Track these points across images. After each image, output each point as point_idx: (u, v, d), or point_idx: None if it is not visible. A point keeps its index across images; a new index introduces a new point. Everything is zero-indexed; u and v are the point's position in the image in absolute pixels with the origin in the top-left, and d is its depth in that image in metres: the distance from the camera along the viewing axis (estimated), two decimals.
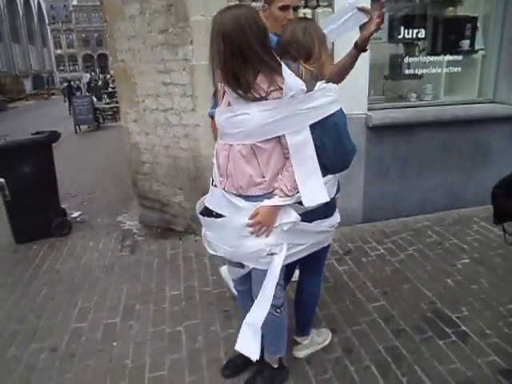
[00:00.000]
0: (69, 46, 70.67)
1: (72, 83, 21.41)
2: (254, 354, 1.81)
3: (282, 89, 1.59)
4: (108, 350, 2.45)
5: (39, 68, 40.83)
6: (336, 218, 1.97)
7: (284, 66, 1.61)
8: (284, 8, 2.08)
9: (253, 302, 1.97)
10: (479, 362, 2.18)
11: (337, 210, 2.00)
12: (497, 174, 4.13)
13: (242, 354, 2.17)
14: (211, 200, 1.90)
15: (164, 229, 4.15)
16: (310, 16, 3.21)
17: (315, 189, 1.72)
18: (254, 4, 3.21)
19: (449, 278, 2.99)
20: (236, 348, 1.85)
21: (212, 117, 2.18)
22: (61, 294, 3.07)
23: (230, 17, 1.55)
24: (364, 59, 3.53)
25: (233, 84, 1.60)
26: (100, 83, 21.04)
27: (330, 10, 3.29)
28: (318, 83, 1.70)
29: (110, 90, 18.41)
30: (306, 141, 1.66)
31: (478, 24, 4.14)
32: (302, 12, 3.20)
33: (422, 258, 3.27)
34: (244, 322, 1.85)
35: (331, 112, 1.70)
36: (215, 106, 2.01)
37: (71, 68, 69.66)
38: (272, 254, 1.74)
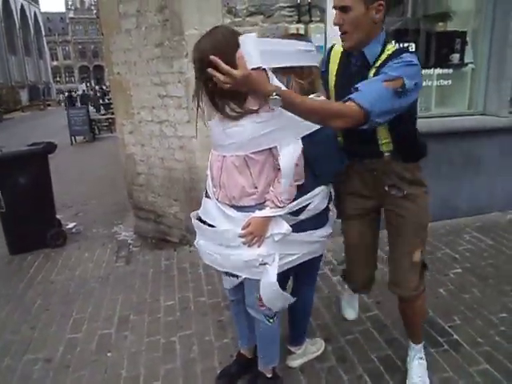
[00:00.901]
0: (65, 57, 71.12)
1: (73, 93, 21.67)
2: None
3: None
4: (103, 360, 2.45)
5: (35, 79, 40.95)
6: (328, 228, 2.01)
7: (272, 76, 1.62)
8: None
9: (246, 312, 2.00)
10: (471, 371, 2.20)
11: (330, 220, 2.03)
12: (488, 185, 4.26)
13: (236, 364, 2.21)
14: (204, 211, 1.93)
15: (159, 239, 4.17)
16: (302, 31, 3.28)
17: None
18: (248, 19, 3.29)
19: (441, 287, 3.02)
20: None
21: None
22: (55, 305, 3.07)
23: (206, 46, 1.53)
24: None
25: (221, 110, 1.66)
26: (99, 94, 21.24)
27: (323, 25, 3.37)
28: (310, 96, 1.75)
29: (106, 101, 18.50)
30: (297, 152, 1.70)
31: (468, 38, 4.24)
32: (294, 27, 3.28)
33: None
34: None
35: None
36: None
37: (67, 79, 70.01)
38: (264, 264, 1.77)
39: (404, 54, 1.59)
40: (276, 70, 1.72)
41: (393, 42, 1.73)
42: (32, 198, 3.98)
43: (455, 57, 4.24)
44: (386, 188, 1.88)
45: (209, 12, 3.28)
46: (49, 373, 2.37)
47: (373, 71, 1.69)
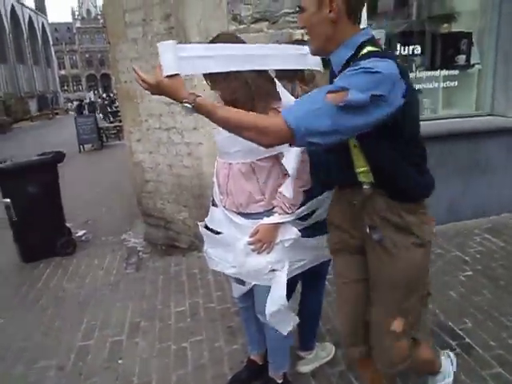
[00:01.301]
0: (72, 66, 71.92)
1: (83, 102, 21.97)
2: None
3: (279, 107, 1.65)
4: (114, 367, 2.47)
5: (43, 89, 41.44)
6: None
7: (280, 87, 1.67)
8: None
9: (256, 318, 2.00)
10: (483, 375, 2.18)
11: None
12: (496, 186, 4.22)
13: (246, 370, 2.21)
14: (211, 219, 1.94)
15: (168, 246, 4.19)
16: (306, 37, 3.28)
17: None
18: (253, 26, 3.31)
19: (452, 290, 3.00)
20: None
21: None
22: (67, 312, 3.10)
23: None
24: None
25: None
26: (106, 102, 21.42)
27: None
28: None
29: (113, 109, 18.67)
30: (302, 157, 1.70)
31: (473, 39, 4.23)
32: (299, 33, 3.29)
33: None
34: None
35: None
36: None
37: (75, 88, 70.72)
38: (274, 271, 1.78)
39: (369, 59, 1.23)
40: (281, 77, 1.73)
41: (372, 46, 1.35)
42: (42, 207, 4.03)
43: (461, 58, 4.23)
44: (367, 229, 1.47)
45: (214, 19, 3.31)
46: (61, 380, 2.39)
47: None
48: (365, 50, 1.32)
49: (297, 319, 1.93)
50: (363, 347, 1.64)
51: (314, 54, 1.50)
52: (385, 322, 1.51)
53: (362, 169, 1.43)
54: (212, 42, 1.65)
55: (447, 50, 4.27)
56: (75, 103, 22.61)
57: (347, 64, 1.33)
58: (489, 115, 4.25)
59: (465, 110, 4.33)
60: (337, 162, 1.51)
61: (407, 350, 1.56)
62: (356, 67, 1.22)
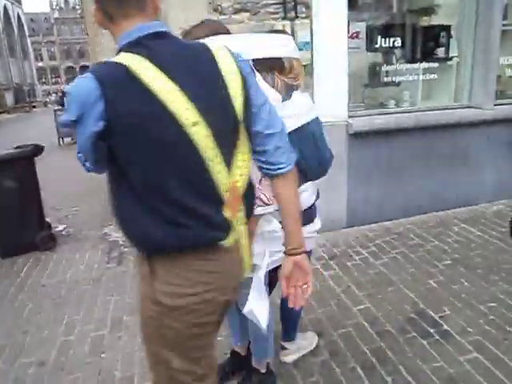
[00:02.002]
0: (50, 58, 70.30)
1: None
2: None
3: None
4: (97, 362, 2.45)
5: (20, 81, 40.40)
6: (317, 223, 2.02)
7: (259, 77, 1.67)
8: None
9: (238, 310, 2.00)
10: (461, 360, 2.24)
11: (318, 215, 2.05)
12: (475, 176, 4.32)
13: (230, 361, 2.22)
14: None
15: None
16: (288, 28, 3.29)
17: None
18: (234, 16, 3.29)
19: (431, 279, 3.07)
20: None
21: None
22: (47, 308, 3.05)
23: (194, 36, 1.57)
24: (343, 68, 3.64)
25: None
26: None
27: (308, 21, 3.38)
28: (294, 93, 1.76)
29: None
30: None
31: (452, 32, 4.29)
32: (280, 23, 3.29)
33: (405, 261, 3.35)
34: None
35: (307, 120, 1.77)
36: None
37: (53, 80, 69.16)
38: (254, 264, 1.78)
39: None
40: (260, 70, 1.72)
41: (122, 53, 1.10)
42: (20, 201, 3.94)
43: (440, 50, 4.29)
44: None
45: (194, 10, 3.27)
46: (43, 376, 2.36)
47: None
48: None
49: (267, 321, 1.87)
50: None
51: None
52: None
53: None
54: (195, 26, 1.64)
55: (427, 42, 4.32)
56: (54, 95, 22.29)
57: None
58: (467, 107, 4.32)
59: (444, 102, 4.39)
60: None
61: None
62: None
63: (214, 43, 1.23)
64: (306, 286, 1.35)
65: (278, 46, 1.71)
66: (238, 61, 1.17)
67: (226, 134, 1.15)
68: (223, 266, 1.23)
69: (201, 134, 1.08)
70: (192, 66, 1.12)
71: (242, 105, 1.15)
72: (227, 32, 1.68)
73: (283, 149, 1.26)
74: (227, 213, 1.19)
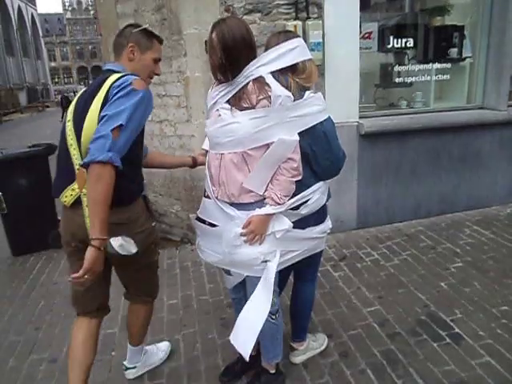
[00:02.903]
0: (63, 58, 71.03)
1: (70, 95, 22.52)
2: (246, 352, 1.80)
3: (270, 97, 1.65)
4: (107, 359, 2.47)
5: (33, 81, 40.90)
6: (328, 224, 2.02)
7: (269, 76, 1.68)
8: (156, 61, 1.90)
9: None
10: (473, 364, 2.22)
11: (328, 216, 2.05)
12: (487, 178, 4.27)
13: (239, 361, 2.22)
14: (204, 211, 1.94)
15: (161, 239, 4.17)
16: (300, 28, 3.28)
17: None
18: (246, 17, 3.29)
19: (442, 281, 3.04)
20: (230, 339, 1.85)
21: (104, 162, 1.77)
22: (59, 306, 3.08)
23: (230, 29, 1.64)
24: (355, 68, 3.63)
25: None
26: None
27: (320, 22, 3.37)
28: (307, 92, 1.77)
29: None
30: (292, 146, 1.71)
31: (465, 32, 4.24)
32: (292, 24, 3.28)
33: (415, 263, 3.32)
34: (239, 317, 1.85)
35: (320, 120, 1.77)
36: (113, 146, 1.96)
37: (66, 80, 69.90)
38: (266, 262, 1.78)
39: None
40: (273, 71, 1.73)
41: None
42: (33, 200, 3.99)
43: (453, 51, 4.25)
44: None
45: (206, 11, 3.28)
46: (54, 373, 2.39)
47: None
48: None
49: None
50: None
51: None
52: None
53: None
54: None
55: (439, 43, 4.28)
56: (59, 96, 23.15)
57: None
58: (480, 108, 4.28)
59: (457, 103, 4.35)
60: None
61: None
62: None
63: None
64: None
65: (292, 54, 1.75)
66: (111, 86, 1.64)
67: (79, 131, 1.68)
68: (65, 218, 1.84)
69: (68, 128, 1.73)
70: (90, 88, 1.74)
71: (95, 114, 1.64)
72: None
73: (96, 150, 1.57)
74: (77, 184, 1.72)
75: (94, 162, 1.53)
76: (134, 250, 1.71)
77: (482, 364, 2.21)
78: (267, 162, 1.70)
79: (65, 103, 20.37)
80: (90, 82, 61.05)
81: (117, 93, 1.62)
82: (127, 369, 2.30)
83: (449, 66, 4.24)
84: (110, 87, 1.64)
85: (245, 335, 1.82)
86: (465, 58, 4.29)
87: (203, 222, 1.97)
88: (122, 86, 1.62)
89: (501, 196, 4.35)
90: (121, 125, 1.56)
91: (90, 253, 1.57)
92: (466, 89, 4.37)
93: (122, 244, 1.66)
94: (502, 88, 4.12)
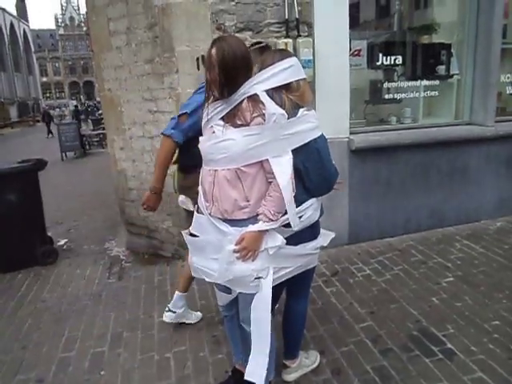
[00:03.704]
0: (55, 73, 71.09)
1: (51, 111, 23.26)
2: (260, 380, 1.80)
3: (264, 115, 1.67)
4: (96, 379, 2.42)
5: (24, 95, 40.88)
6: (320, 240, 2.02)
7: (263, 93, 1.70)
8: None
9: (240, 327, 1.99)
10: (465, 380, 2.21)
11: (321, 232, 2.05)
12: (476, 193, 4.32)
13: (231, 379, 2.19)
14: (196, 226, 1.94)
15: (152, 255, 4.15)
16: (291, 46, 3.32)
17: (289, 215, 1.77)
18: (237, 35, 3.33)
19: (434, 296, 3.04)
20: (246, 377, 1.84)
21: (167, 135, 2.30)
22: (47, 324, 3.03)
23: (230, 47, 1.66)
24: (345, 85, 3.68)
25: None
26: (89, 109, 21.84)
27: (311, 40, 3.42)
28: (300, 110, 1.79)
29: (97, 116, 18.73)
30: (288, 166, 1.72)
31: (453, 50, 4.34)
32: (283, 42, 3.33)
33: (407, 278, 3.32)
34: (252, 351, 1.84)
35: (313, 137, 1.79)
36: (177, 126, 2.27)
37: (57, 95, 69.85)
38: (259, 278, 1.77)
39: None
40: (268, 89, 1.75)
41: None
42: (22, 215, 3.95)
43: (441, 68, 4.33)
44: None
45: (198, 29, 3.32)
46: None
47: None
48: None
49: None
50: None
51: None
52: None
53: None
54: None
55: (427, 60, 4.37)
56: (58, 110, 24.02)
57: None
58: (468, 124, 4.35)
59: (445, 118, 4.42)
60: None
61: None
62: None
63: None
64: None
65: (286, 73, 1.78)
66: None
67: None
68: None
69: None
70: None
71: None
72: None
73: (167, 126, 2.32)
74: None
75: (162, 133, 2.31)
76: (191, 207, 2.34)
77: (475, 379, 2.20)
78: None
79: (47, 119, 21.01)
80: (82, 96, 61.07)
81: (195, 91, 2.36)
82: (168, 310, 2.79)
83: (437, 82, 4.32)
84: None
85: (258, 364, 1.81)
86: (452, 75, 4.38)
87: (196, 237, 1.96)
88: (199, 86, 2.30)
89: (489, 210, 4.39)
90: (186, 112, 2.23)
91: (146, 193, 2.43)
92: (454, 105, 4.45)
93: (182, 200, 2.50)
94: (489, 104, 4.20)
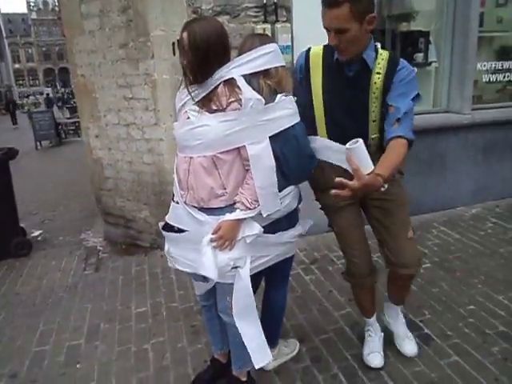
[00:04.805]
0: (28, 59, 68.89)
1: (25, 99, 22.92)
2: (268, 358, 1.87)
3: (240, 100, 1.63)
4: (72, 372, 2.37)
5: None
6: (299, 228, 2.00)
7: (240, 78, 1.65)
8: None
9: (218, 316, 1.96)
10: (442, 364, 2.24)
11: (300, 220, 2.03)
12: (452, 180, 4.36)
13: (210, 369, 2.18)
14: (172, 216, 1.89)
15: (129, 245, 4.08)
16: (269, 31, 3.27)
17: (271, 200, 1.74)
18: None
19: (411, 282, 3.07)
20: (256, 367, 1.87)
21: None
22: (21, 317, 2.95)
23: (203, 29, 1.60)
24: None
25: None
26: (66, 96, 21.39)
27: (289, 25, 3.37)
28: (278, 96, 1.75)
29: (72, 104, 18.29)
30: (266, 152, 1.68)
31: (431, 38, 4.34)
32: (261, 27, 3.27)
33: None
34: (246, 343, 1.85)
35: (291, 124, 1.75)
36: None
37: (31, 82, 67.81)
38: (236, 267, 1.75)
39: (401, 63, 1.86)
40: (245, 74, 1.70)
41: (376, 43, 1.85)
42: None
43: (419, 56, 4.34)
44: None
45: (173, 12, 3.23)
46: None
47: (376, 76, 1.82)
48: (381, 51, 1.85)
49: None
50: (371, 277, 2.21)
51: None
52: (403, 234, 2.03)
53: (374, 135, 1.92)
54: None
55: (406, 47, 4.37)
56: (32, 98, 23.49)
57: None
58: (445, 112, 4.38)
59: (423, 106, 4.42)
60: (354, 133, 1.69)
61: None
62: (407, 72, 1.90)
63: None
64: None
65: (265, 59, 1.73)
66: None
67: None
68: None
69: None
70: None
71: None
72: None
73: None
74: None
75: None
76: None
77: (451, 363, 2.24)
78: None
79: (12, 109, 20.67)
80: (58, 84, 59.45)
81: None
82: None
83: (415, 70, 4.31)
84: None
85: (256, 348, 1.84)
86: (430, 63, 4.39)
87: (172, 227, 1.92)
88: None
89: (465, 197, 4.46)
90: None
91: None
92: (432, 93, 4.47)
93: None
94: (466, 92, 4.23)
